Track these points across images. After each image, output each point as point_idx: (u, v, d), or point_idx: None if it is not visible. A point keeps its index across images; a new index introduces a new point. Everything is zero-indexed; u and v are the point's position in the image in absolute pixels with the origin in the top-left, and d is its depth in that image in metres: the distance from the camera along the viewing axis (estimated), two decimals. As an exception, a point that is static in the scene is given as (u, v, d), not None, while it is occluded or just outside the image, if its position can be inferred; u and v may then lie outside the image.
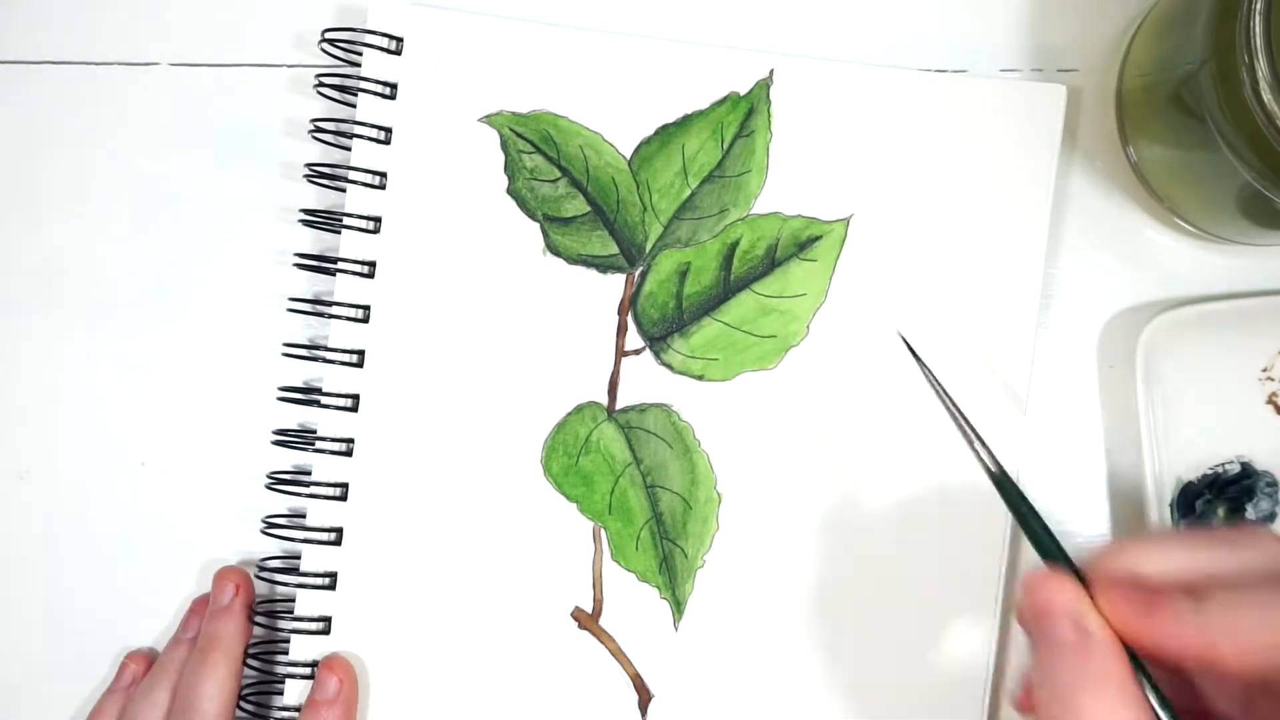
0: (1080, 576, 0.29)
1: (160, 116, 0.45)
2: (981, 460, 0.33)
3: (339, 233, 0.42)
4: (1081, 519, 0.43)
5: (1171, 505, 0.42)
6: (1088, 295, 0.44)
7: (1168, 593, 0.27)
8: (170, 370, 0.44)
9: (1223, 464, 0.42)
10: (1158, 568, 0.28)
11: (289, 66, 0.44)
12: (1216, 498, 0.42)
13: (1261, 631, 0.26)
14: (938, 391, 0.35)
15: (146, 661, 0.43)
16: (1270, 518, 0.43)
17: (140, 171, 0.44)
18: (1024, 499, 0.32)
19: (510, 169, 0.42)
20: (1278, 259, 0.44)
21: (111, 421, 0.44)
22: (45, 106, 0.45)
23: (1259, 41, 0.32)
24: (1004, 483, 0.32)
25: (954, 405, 0.34)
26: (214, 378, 0.44)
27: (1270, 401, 0.43)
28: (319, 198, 0.43)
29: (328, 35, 0.42)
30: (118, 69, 0.45)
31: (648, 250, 0.42)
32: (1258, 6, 0.32)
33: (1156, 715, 0.27)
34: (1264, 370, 0.43)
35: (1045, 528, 0.31)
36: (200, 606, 0.43)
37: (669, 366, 0.43)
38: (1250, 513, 0.42)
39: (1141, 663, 0.27)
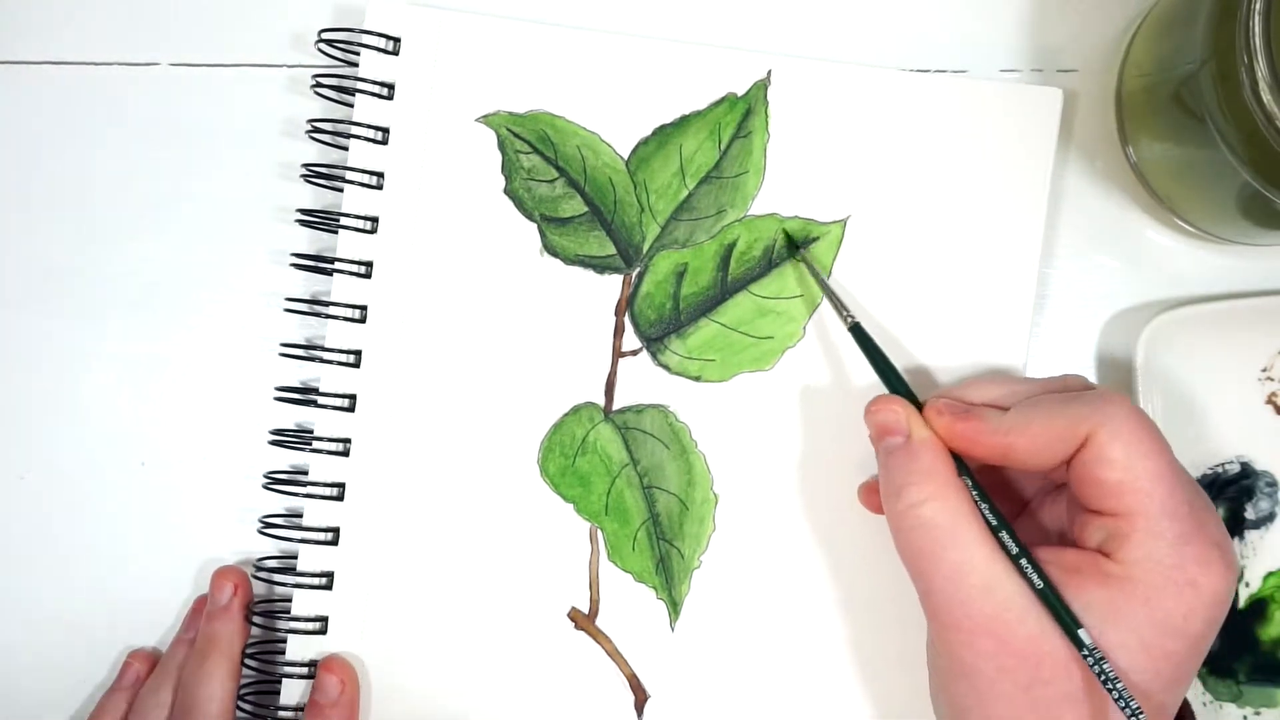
0: (916, 403, 0.37)
1: (160, 116, 0.45)
2: (840, 314, 0.40)
3: (336, 233, 0.42)
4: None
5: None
6: (1087, 295, 0.44)
7: (980, 407, 0.36)
8: (170, 370, 0.44)
9: (1222, 464, 0.42)
10: (977, 395, 0.36)
11: (288, 67, 0.44)
12: (1216, 497, 0.42)
13: (1045, 428, 0.34)
14: (801, 259, 0.41)
15: (149, 661, 0.43)
16: (1270, 518, 0.43)
17: (140, 171, 0.44)
18: (876, 345, 0.39)
19: (507, 169, 0.42)
20: (1278, 259, 0.44)
21: (111, 421, 0.44)
22: (45, 106, 0.45)
23: (1259, 41, 0.32)
24: (858, 331, 0.39)
25: (810, 265, 0.41)
26: (213, 378, 0.44)
27: (1270, 401, 0.43)
28: (316, 198, 0.43)
29: (325, 35, 0.42)
30: (118, 69, 0.45)
31: (645, 251, 0.42)
32: (1257, 6, 0.32)
33: (974, 499, 0.34)
34: (1264, 370, 0.43)
35: (891, 366, 0.38)
36: (202, 606, 0.43)
37: (666, 367, 0.43)
38: (1250, 513, 0.42)
39: (960, 459, 0.35)
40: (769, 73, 0.42)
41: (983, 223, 0.42)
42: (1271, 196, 0.35)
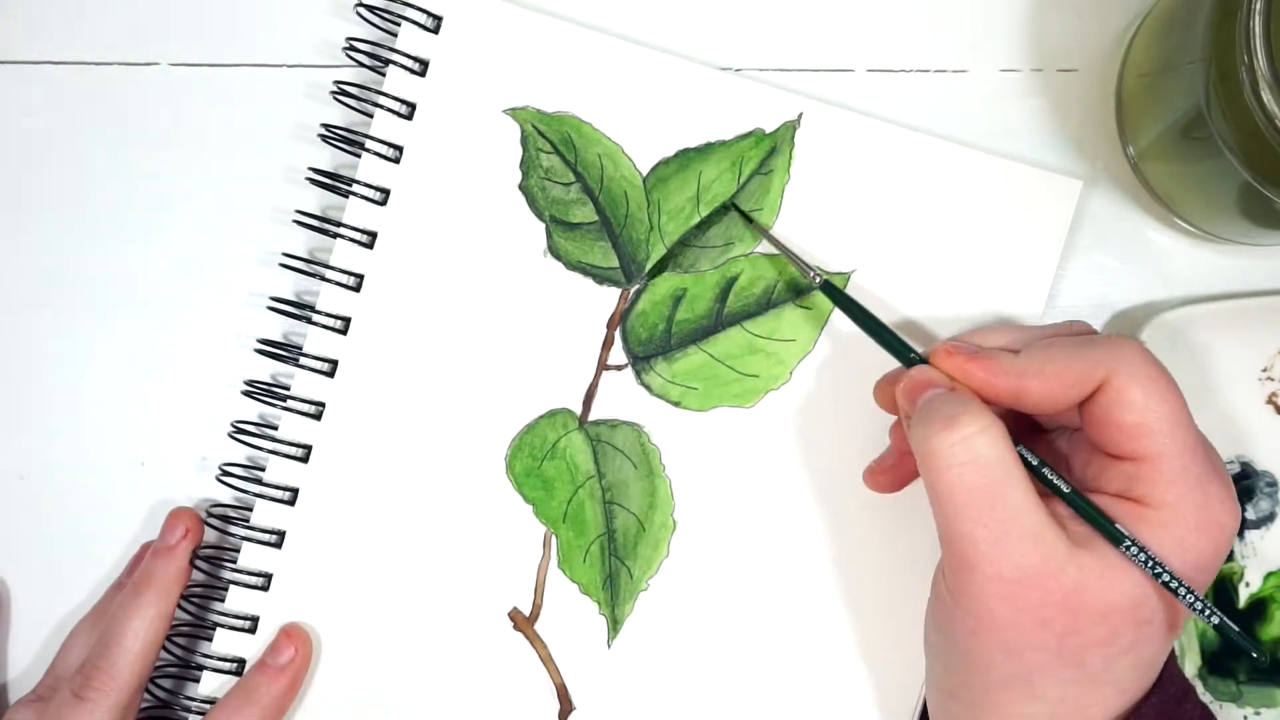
0: (924, 359, 0.36)
1: (160, 116, 0.44)
2: (806, 273, 0.40)
3: (346, 198, 0.42)
4: (1081, 519, 0.43)
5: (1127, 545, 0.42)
6: (1088, 295, 0.44)
7: (994, 350, 0.35)
8: (170, 370, 0.44)
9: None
10: (984, 342, 0.36)
11: (289, 67, 0.44)
12: (1216, 498, 0.42)
13: (1061, 370, 0.33)
14: (767, 237, 0.41)
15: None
16: (1270, 518, 0.42)
17: (140, 171, 0.44)
18: (858, 305, 0.39)
19: (526, 165, 0.42)
20: (1278, 259, 0.44)
21: (111, 421, 0.44)
22: (45, 106, 0.45)
23: (1259, 41, 0.32)
24: (831, 289, 0.39)
25: (761, 227, 0.41)
26: (214, 378, 0.44)
27: (1270, 401, 0.43)
28: (322, 200, 0.43)
29: (366, 1, 0.42)
30: (118, 69, 0.45)
31: (647, 269, 0.42)
32: (1257, 6, 0.32)
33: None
34: (1264, 370, 0.43)
35: (882, 325, 0.38)
36: (146, 552, 0.43)
37: (648, 388, 0.42)
38: (1250, 513, 0.42)
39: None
40: (800, 115, 0.42)
41: (984, 297, 0.42)
42: (1271, 196, 0.35)
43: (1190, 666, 0.42)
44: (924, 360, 0.36)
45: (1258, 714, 0.42)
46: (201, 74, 0.44)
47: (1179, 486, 0.32)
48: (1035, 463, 0.33)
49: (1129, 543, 0.32)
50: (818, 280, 0.39)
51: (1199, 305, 0.42)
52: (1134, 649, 0.33)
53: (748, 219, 0.42)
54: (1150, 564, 0.32)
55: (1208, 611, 0.32)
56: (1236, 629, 0.33)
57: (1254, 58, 0.32)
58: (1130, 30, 0.43)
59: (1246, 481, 0.42)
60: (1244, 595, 0.42)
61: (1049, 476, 0.33)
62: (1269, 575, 0.42)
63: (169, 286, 0.44)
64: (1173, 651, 0.35)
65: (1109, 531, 0.32)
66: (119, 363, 0.44)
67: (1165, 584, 0.32)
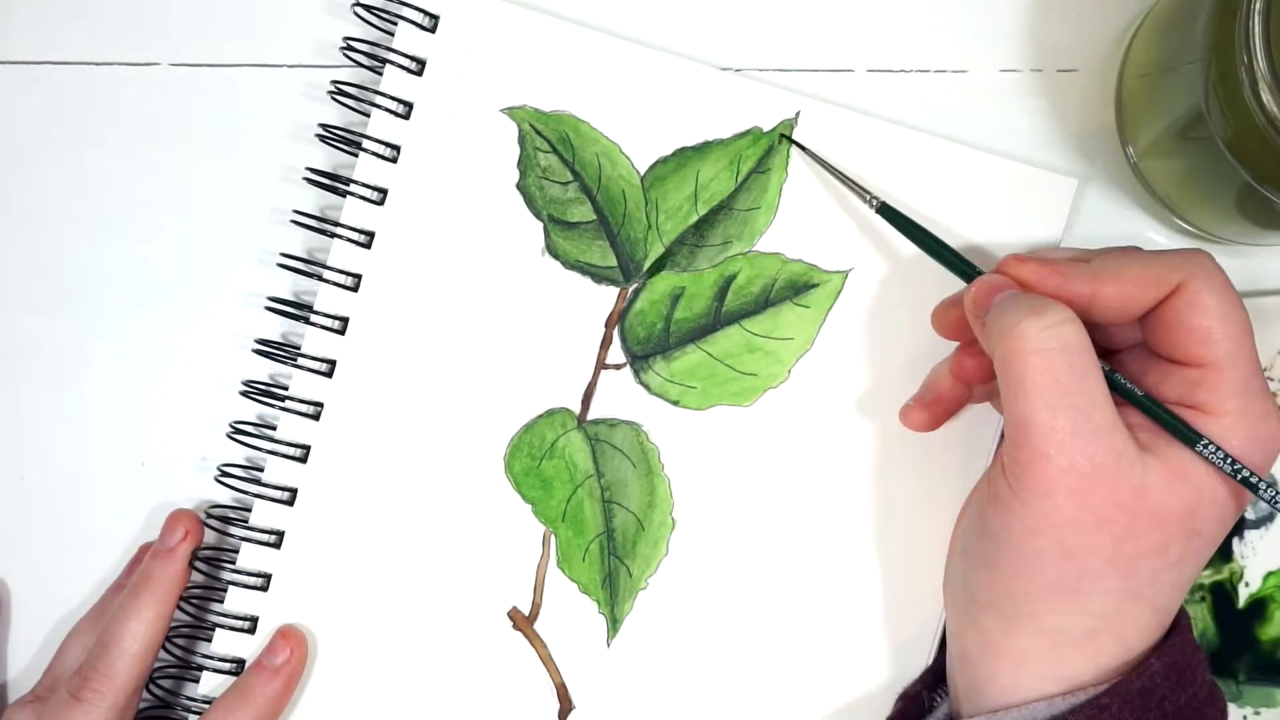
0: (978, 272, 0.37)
1: (160, 116, 0.44)
2: (863, 198, 0.40)
3: (344, 197, 0.42)
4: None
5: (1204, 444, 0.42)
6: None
7: (1064, 260, 0.35)
8: (170, 370, 0.44)
9: (1223, 464, 0.42)
10: (1054, 257, 0.36)
11: (289, 67, 0.44)
12: (1216, 498, 0.42)
13: (1138, 273, 0.34)
14: (821, 164, 0.41)
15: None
16: (1270, 518, 0.42)
17: (140, 171, 0.44)
18: (919, 226, 0.39)
19: (524, 164, 0.42)
20: (1278, 259, 0.44)
21: (111, 421, 0.44)
22: (45, 106, 0.44)
23: (1258, 41, 0.32)
24: (889, 211, 0.39)
25: (815, 155, 0.41)
26: (215, 378, 0.44)
27: (1270, 401, 0.42)
28: (320, 199, 0.43)
29: (363, 1, 0.42)
30: (118, 69, 0.45)
31: (645, 268, 0.42)
32: (1257, 6, 0.32)
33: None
34: (1264, 370, 0.42)
35: (945, 245, 0.38)
36: (145, 553, 0.43)
37: (646, 387, 0.42)
38: (1250, 513, 0.42)
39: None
40: (797, 114, 0.42)
41: None
42: (1271, 196, 0.35)
43: (1190, 666, 0.42)
44: (971, 276, 0.37)
45: (1257, 714, 0.42)
46: (201, 74, 0.44)
47: (1240, 396, 0.33)
48: (1110, 369, 0.34)
49: (1205, 442, 0.32)
50: (875, 204, 0.40)
51: (1199, 305, 0.42)
52: (1179, 563, 0.33)
53: (803, 149, 0.42)
54: (1229, 461, 0.32)
55: None
56: None
57: (1254, 58, 0.32)
58: (1130, 30, 0.43)
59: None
60: (1244, 595, 0.42)
61: (1123, 382, 0.34)
62: (1269, 575, 0.42)
63: (169, 286, 0.44)
64: (1185, 612, 0.35)
65: (1183, 433, 0.33)
66: (118, 362, 0.44)
67: (1245, 480, 0.32)
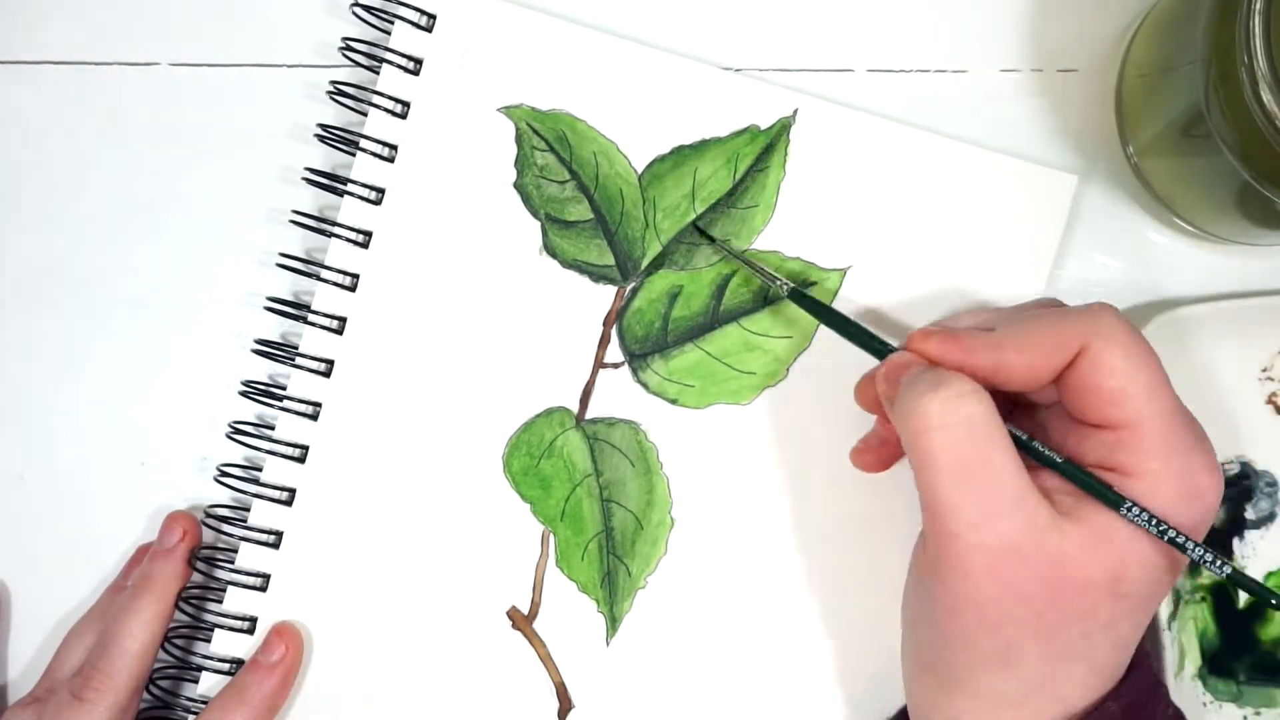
0: (900, 349, 0.36)
1: (160, 116, 0.44)
2: (772, 284, 0.40)
3: (341, 196, 0.42)
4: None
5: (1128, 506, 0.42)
6: (1088, 295, 0.43)
7: (970, 329, 0.35)
8: (169, 370, 0.44)
9: (1222, 464, 0.42)
10: (964, 324, 0.36)
11: (289, 67, 0.44)
12: (1216, 498, 0.42)
13: (1040, 340, 0.33)
14: (730, 254, 0.41)
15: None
16: (1270, 518, 0.42)
17: (140, 171, 0.44)
18: (829, 309, 0.39)
19: (521, 163, 0.42)
20: (1278, 259, 0.44)
21: (111, 421, 0.44)
22: (45, 106, 0.44)
23: (1259, 41, 0.32)
24: (799, 296, 0.39)
25: (738, 255, 0.41)
26: (215, 378, 0.44)
27: (1270, 401, 0.42)
28: (318, 199, 0.43)
29: (362, 1, 0.42)
30: (118, 69, 0.44)
31: (643, 267, 0.42)
32: (1257, 6, 0.32)
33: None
34: (1264, 370, 0.42)
35: (856, 325, 0.38)
36: (143, 554, 0.43)
37: (644, 385, 0.42)
38: (1250, 513, 0.42)
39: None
40: (795, 112, 0.42)
41: (981, 293, 0.42)
42: (1271, 196, 0.35)
43: (1190, 666, 0.42)
44: (882, 354, 0.36)
45: (1258, 714, 0.42)
46: (201, 74, 0.44)
47: (1161, 454, 0.32)
48: (1024, 437, 0.33)
49: (1129, 504, 0.32)
50: (785, 290, 0.39)
51: (1199, 305, 0.42)
52: (1112, 625, 0.32)
53: (709, 239, 0.42)
54: (1153, 522, 0.31)
55: (1219, 563, 0.32)
56: (1250, 578, 0.32)
57: (1254, 57, 0.32)
58: (1130, 30, 0.43)
59: (1246, 482, 0.42)
60: (1244, 595, 0.42)
61: (1039, 448, 0.33)
62: (1269, 575, 0.42)
63: (169, 286, 0.44)
64: (1145, 649, 0.35)
65: (1106, 496, 0.32)
66: (118, 362, 0.44)
67: (1171, 540, 0.31)
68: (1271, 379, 0.42)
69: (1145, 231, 0.44)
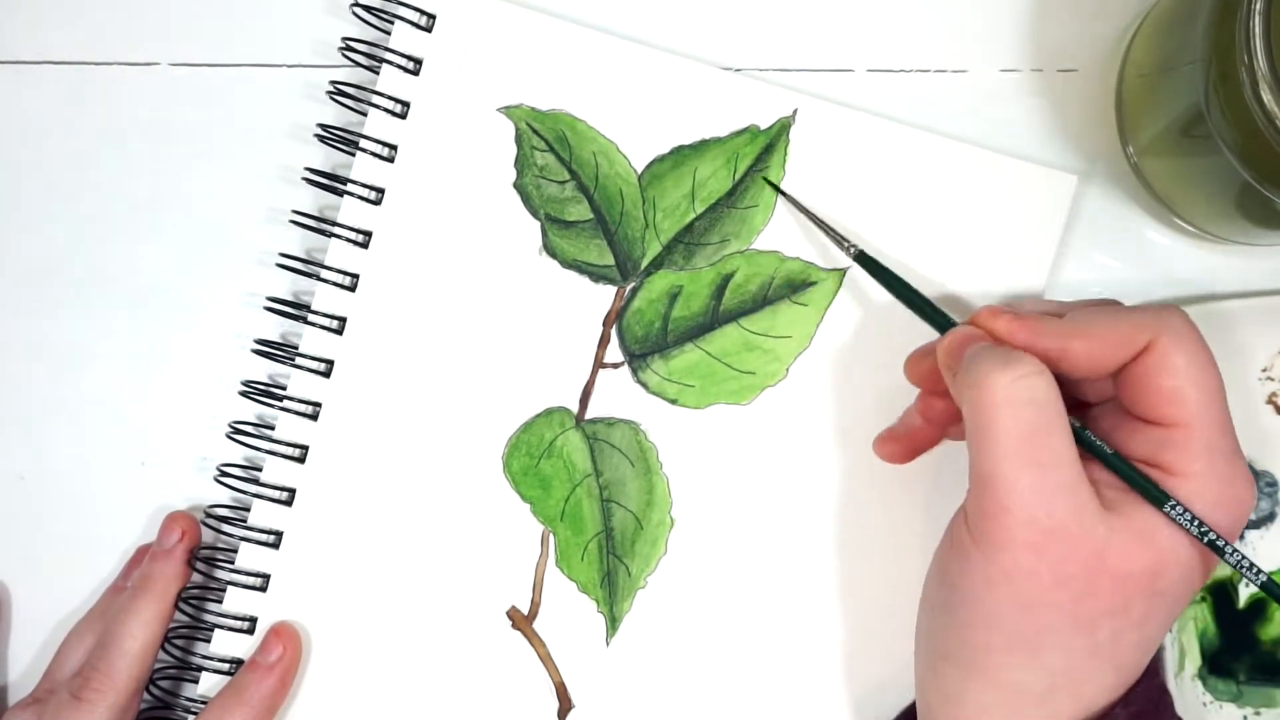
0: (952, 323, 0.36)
1: (160, 116, 0.44)
2: (841, 245, 0.40)
3: (341, 196, 0.42)
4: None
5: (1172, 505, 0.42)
6: (1087, 295, 0.43)
7: (1037, 314, 0.35)
8: (169, 370, 0.44)
9: (1222, 464, 0.42)
10: (1029, 309, 0.36)
11: (289, 66, 0.44)
12: (1216, 498, 0.42)
13: (1107, 331, 0.33)
14: (800, 209, 0.41)
15: None
16: (1270, 518, 0.42)
17: (140, 171, 0.44)
18: (895, 275, 0.39)
19: (520, 163, 0.42)
20: (1278, 259, 0.44)
21: (111, 421, 0.44)
22: (45, 106, 0.44)
23: (1259, 41, 0.32)
24: (866, 259, 0.39)
25: (795, 201, 0.41)
26: (215, 378, 0.44)
27: (1270, 401, 0.42)
28: (318, 199, 0.43)
29: (362, 1, 0.42)
30: (118, 69, 0.44)
31: (643, 267, 0.42)
32: (1257, 6, 0.32)
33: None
34: (1264, 370, 0.42)
35: (920, 295, 0.38)
36: (143, 555, 0.43)
37: (644, 385, 0.42)
38: (1250, 513, 0.42)
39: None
40: (794, 112, 0.42)
41: (981, 292, 0.42)
42: (1271, 196, 0.35)
43: (1190, 666, 0.42)
44: (945, 327, 0.36)
45: (1258, 714, 0.42)
46: (201, 74, 0.44)
47: (1207, 458, 0.32)
48: (1078, 425, 0.33)
49: (1173, 503, 0.32)
50: (852, 251, 0.39)
51: (1199, 305, 0.42)
52: (1143, 623, 0.33)
53: (779, 190, 0.42)
54: (1195, 523, 0.32)
55: (1256, 570, 0.33)
56: None
57: (1254, 57, 0.32)
58: (1130, 30, 0.43)
59: (1246, 482, 0.42)
60: (1244, 595, 0.42)
61: (1091, 438, 0.33)
62: (1270, 575, 0.42)
63: (169, 286, 0.44)
64: (1156, 661, 0.35)
65: (1151, 493, 0.32)
66: (119, 362, 0.44)
67: (1211, 543, 0.32)
68: (1271, 379, 0.42)
69: (1145, 231, 0.44)
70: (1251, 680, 0.42)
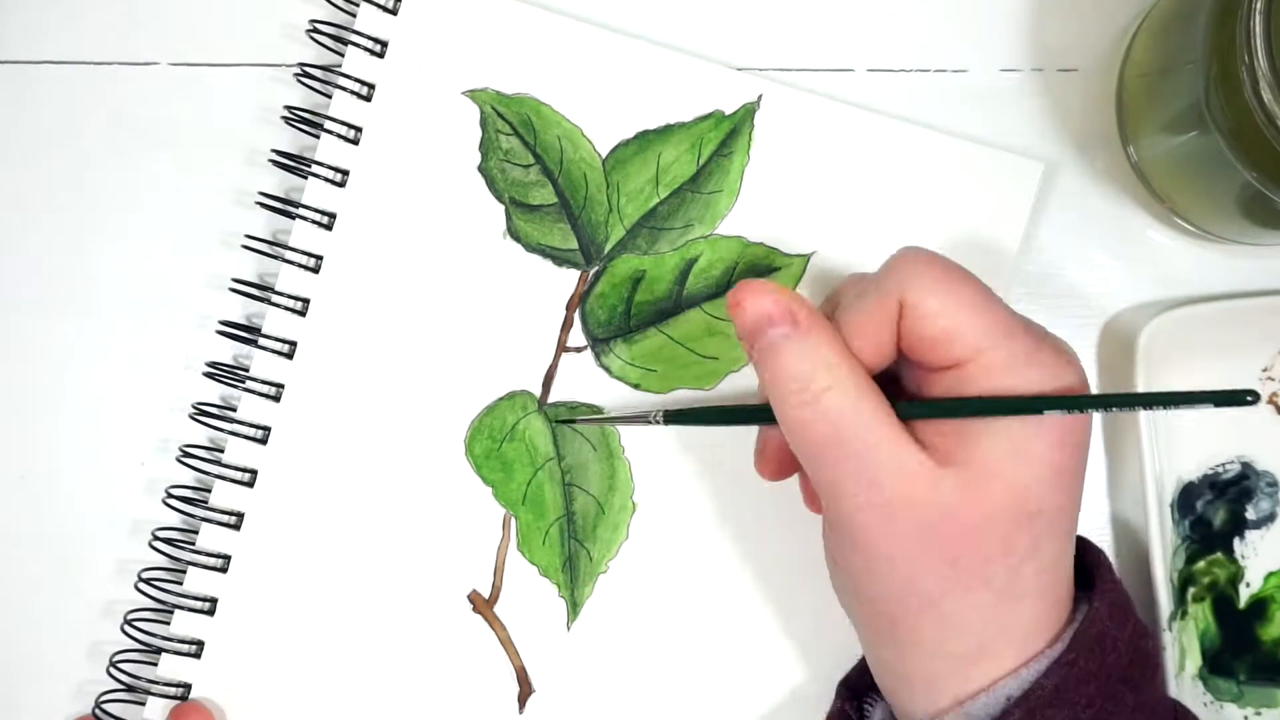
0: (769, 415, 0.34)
1: (160, 116, 0.44)
2: (652, 419, 0.38)
3: (306, 179, 0.42)
4: (1082, 520, 0.43)
5: (1172, 505, 0.42)
6: (1087, 295, 0.43)
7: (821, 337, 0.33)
8: (170, 370, 0.44)
9: (1223, 464, 0.42)
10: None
11: (289, 66, 0.44)
12: (1216, 498, 0.42)
13: (862, 322, 0.32)
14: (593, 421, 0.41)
15: None
16: (1270, 518, 0.42)
17: (140, 171, 0.44)
18: (701, 411, 0.38)
19: (485, 147, 0.42)
20: (1278, 259, 0.43)
21: (111, 421, 0.44)
22: (45, 106, 0.44)
23: (1259, 41, 0.32)
24: (672, 417, 0.38)
25: (602, 419, 0.41)
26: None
27: (1270, 401, 0.42)
28: (286, 182, 0.43)
29: None
30: (118, 69, 0.45)
31: (606, 251, 0.42)
32: (1257, 6, 0.32)
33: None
34: (1264, 370, 0.42)
35: (728, 412, 0.37)
36: None
37: (607, 370, 0.42)
38: (1250, 513, 0.42)
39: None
40: (759, 97, 0.42)
41: None
42: (1272, 196, 0.35)
43: (1191, 666, 0.42)
44: (772, 420, 0.33)
45: (1258, 714, 0.42)
46: (202, 74, 0.44)
47: (1011, 362, 0.31)
48: (901, 404, 0.32)
49: (1041, 400, 0.31)
50: (659, 418, 0.38)
51: (1199, 305, 0.42)
52: (1035, 550, 0.31)
53: (569, 423, 0.42)
54: (1065, 405, 0.31)
55: (1135, 401, 0.32)
56: (1173, 392, 0.32)
57: (1254, 57, 0.32)
58: (1130, 30, 0.42)
59: (1246, 482, 0.42)
60: (1244, 595, 0.42)
61: (917, 407, 0.32)
62: (1269, 575, 0.42)
63: (169, 286, 0.44)
64: (1102, 556, 0.34)
65: (1019, 407, 0.31)
66: (119, 362, 0.44)
67: (1087, 407, 0.31)
68: (1271, 379, 0.42)
69: (1145, 231, 0.44)
70: (1252, 680, 0.42)
